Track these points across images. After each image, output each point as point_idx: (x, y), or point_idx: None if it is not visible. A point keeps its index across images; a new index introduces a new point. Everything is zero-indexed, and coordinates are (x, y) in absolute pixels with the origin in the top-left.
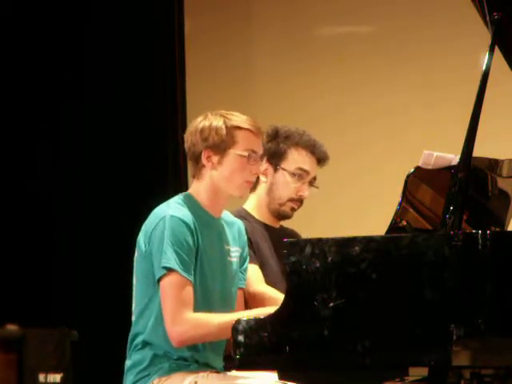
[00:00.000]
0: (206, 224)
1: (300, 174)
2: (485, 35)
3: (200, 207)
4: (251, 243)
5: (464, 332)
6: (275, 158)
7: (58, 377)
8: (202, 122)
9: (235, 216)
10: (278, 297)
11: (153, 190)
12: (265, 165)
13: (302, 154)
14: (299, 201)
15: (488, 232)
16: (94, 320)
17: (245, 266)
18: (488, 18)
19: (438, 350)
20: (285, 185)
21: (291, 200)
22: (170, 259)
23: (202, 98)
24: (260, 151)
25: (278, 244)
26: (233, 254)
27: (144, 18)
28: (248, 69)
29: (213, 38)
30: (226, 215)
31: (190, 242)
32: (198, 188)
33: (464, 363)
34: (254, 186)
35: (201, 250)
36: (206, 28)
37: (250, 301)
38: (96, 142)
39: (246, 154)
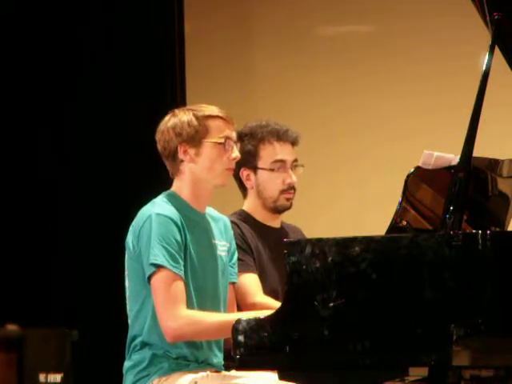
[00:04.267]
0: (192, 220)
1: (278, 166)
2: (486, 40)
3: (184, 203)
4: (251, 250)
5: (464, 332)
6: (250, 160)
7: (58, 377)
8: (171, 119)
9: (236, 218)
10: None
11: (155, 191)
12: (244, 172)
13: (271, 147)
14: (291, 189)
15: (488, 232)
16: (94, 320)
17: (234, 261)
18: (488, 17)
19: (438, 350)
20: (269, 182)
21: (283, 192)
22: (158, 256)
23: (202, 102)
24: (234, 137)
25: (278, 247)
26: (221, 249)
27: (144, 21)
28: (248, 71)
29: (213, 41)
30: (211, 211)
31: (178, 239)
32: (180, 184)
33: (464, 363)
34: (244, 195)
35: (189, 247)
36: (205, 31)
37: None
38: (96, 143)
39: (221, 140)
